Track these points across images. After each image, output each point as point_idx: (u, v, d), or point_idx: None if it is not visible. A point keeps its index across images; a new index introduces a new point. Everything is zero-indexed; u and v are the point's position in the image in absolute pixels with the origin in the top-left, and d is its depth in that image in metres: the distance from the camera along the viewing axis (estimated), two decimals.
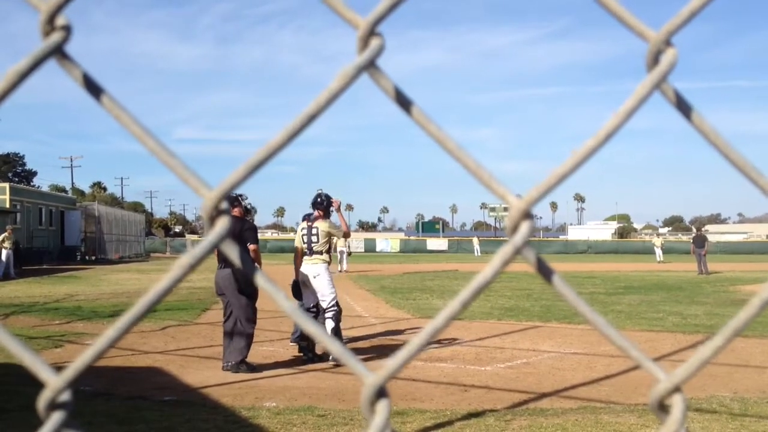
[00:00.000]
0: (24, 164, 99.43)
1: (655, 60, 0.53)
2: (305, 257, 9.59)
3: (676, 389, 0.49)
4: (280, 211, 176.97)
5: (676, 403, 0.50)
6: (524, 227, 0.50)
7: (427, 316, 14.70)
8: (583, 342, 11.09)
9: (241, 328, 8.75)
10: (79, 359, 0.53)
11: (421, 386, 7.88)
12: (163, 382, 8.00)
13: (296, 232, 10.22)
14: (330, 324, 9.36)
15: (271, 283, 0.56)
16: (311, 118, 0.50)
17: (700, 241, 31.71)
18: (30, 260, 36.62)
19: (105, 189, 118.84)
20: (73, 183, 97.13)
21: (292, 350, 9.93)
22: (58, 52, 0.49)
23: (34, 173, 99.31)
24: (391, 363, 0.52)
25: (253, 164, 0.50)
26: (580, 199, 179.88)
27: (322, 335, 0.56)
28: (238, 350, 8.67)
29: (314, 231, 9.58)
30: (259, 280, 0.53)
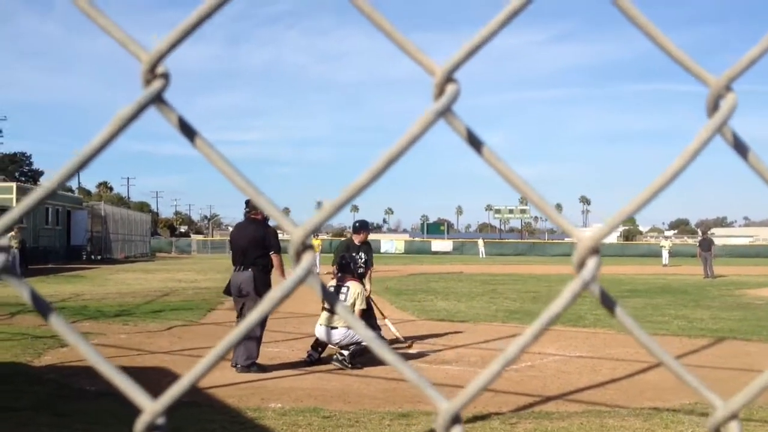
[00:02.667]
0: (31, 164, 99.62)
1: (715, 104, 0.55)
2: (326, 313, 9.31)
3: (733, 416, 0.51)
4: (285, 212, 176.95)
5: (732, 430, 0.52)
6: (591, 263, 0.53)
7: (432, 318, 14.73)
8: (588, 345, 11.10)
9: (252, 331, 8.78)
10: (176, 386, 0.56)
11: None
12: (170, 383, 7.97)
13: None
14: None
15: (347, 311, 0.58)
16: (392, 160, 0.53)
17: (706, 244, 31.66)
18: (36, 259, 36.72)
19: (111, 189, 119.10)
20: (79, 183, 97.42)
21: (297, 351, 9.95)
22: (158, 99, 0.52)
23: (41, 173, 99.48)
24: (467, 390, 0.54)
25: (337, 204, 0.53)
26: (585, 201, 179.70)
27: (396, 361, 0.59)
28: (248, 352, 8.72)
29: (345, 289, 9.54)
30: (340, 310, 0.56)
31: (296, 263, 0.52)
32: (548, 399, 7.50)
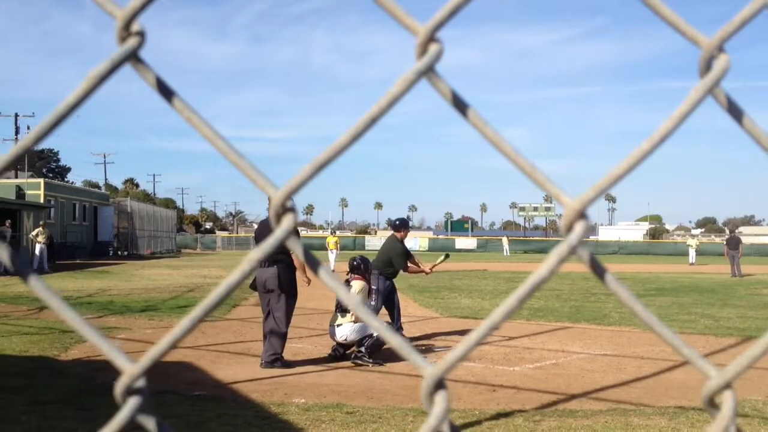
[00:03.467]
0: (58, 160, 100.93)
1: (707, 66, 0.54)
2: (337, 313, 9.62)
3: (727, 386, 0.50)
4: (309, 209, 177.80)
5: (727, 399, 0.50)
6: (579, 227, 0.51)
7: (455, 316, 14.70)
8: (613, 343, 11.01)
9: (276, 326, 8.87)
10: (154, 349, 0.56)
11: (449, 385, 7.71)
12: (194, 378, 8.09)
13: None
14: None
15: (333, 277, 0.58)
16: (373, 121, 0.52)
17: (734, 243, 31.31)
18: (63, 255, 37.18)
19: (137, 185, 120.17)
20: (106, 179, 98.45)
21: (321, 347, 9.98)
22: (133, 57, 0.52)
23: (68, 169, 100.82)
24: (449, 356, 0.53)
25: (318, 164, 0.52)
26: (611, 199, 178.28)
27: (382, 328, 0.58)
28: (273, 347, 8.79)
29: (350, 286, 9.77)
30: (322, 274, 0.55)
31: (277, 225, 0.51)
32: (572, 397, 7.44)
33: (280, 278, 8.90)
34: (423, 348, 10.49)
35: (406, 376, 8.22)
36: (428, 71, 0.53)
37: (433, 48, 0.53)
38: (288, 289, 8.98)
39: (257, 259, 0.51)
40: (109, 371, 7.87)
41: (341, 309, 9.51)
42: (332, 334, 9.40)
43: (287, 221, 0.51)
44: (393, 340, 0.57)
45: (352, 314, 9.33)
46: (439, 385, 0.50)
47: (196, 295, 18.68)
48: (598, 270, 0.52)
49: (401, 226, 11.82)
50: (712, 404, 0.52)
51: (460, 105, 0.54)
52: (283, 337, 8.87)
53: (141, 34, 0.51)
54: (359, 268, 9.98)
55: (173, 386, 7.52)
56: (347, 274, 10.09)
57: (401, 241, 11.49)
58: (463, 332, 11.96)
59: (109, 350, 0.55)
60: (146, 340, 10.70)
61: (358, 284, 9.77)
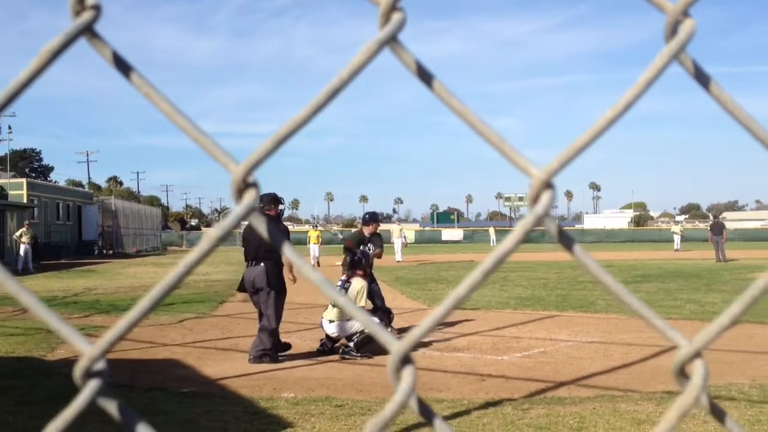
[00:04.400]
0: (41, 160, 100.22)
1: (673, 31, 0.53)
2: (331, 307, 9.41)
3: (697, 354, 0.50)
4: (295, 203, 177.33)
5: (697, 368, 0.50)
6: (545, 197, 0.51)
7: None
8: (599, 331, 11.06)
9: (267, 323, 8.88)
10: (112, 331, 0.55)
11: (438, 376, 7.89)
12: (182, 374, 8.07)
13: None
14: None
15: (298, 254, 0.57)
16: (335, 92, 0.51)
17: (718, 228, 31.62)
18: (48, 255, 36.93)
19: (121, 183, 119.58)
20: (89, 177, 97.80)
21: (309, 342, 9.97)
22: (88, 30, 0.51)
23: (51, 168, 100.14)
24: (415, 331, 0.53)
25: (279, 138, 0.51)
26: (595, 187, 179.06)
27: (350, 306, 0.57)
28: (262, 343, 8.79)
29: (348, 285, 9.57)
30: (286, 251, 0.54)
31: (238, 201, 0.50)
32: (560, 384, 7.48)
33: (268, 275, 8.91)
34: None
35: None
36: (390, 40, 0.52)
37: (395, 17, 0.52)
38: (276, 286, 8.99)
39: (217, 237, 0.50)
40: None
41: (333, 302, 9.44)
42: (322, 326, 9.36)
43: (249, 197, 0.50)
44: (361, 317, 0.56)
45: (339, 308, 9.27)
46: (406, 360, 0.49)
47: (182, 292, 18.58)
48: (566, 241, 0.52)
49: (369, 220, 11.61)
50: (682, 374, 0.52)
51: (424, 76, 0.53)
52: (273, 333, 8.87)
53: (96, 8, 0.50)
54: (361, 263, 9.77)
55: (162, 383, 7.50)
56: (348, 270, 9.94)
57: (362, 235, 11.33)
58: (451, 323, 11.99)
59: (69, 334, 0.54)
60: (132, 339, 10.64)
61: (358, 282, 9.54)
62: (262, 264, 8.93)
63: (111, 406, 0.52)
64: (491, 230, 71.81)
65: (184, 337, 10.79)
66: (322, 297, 13.62)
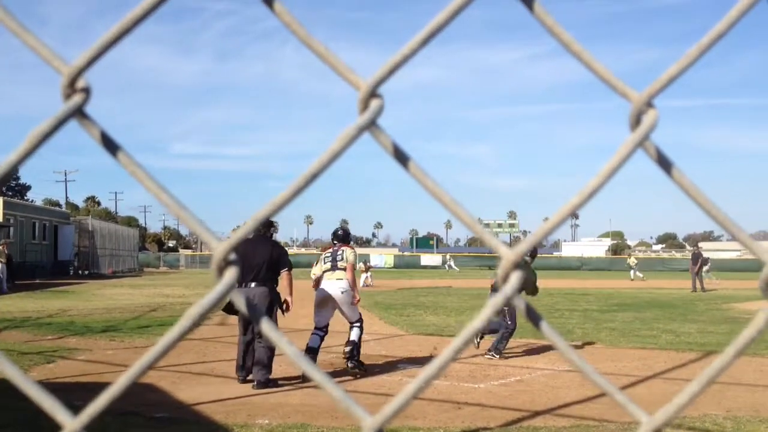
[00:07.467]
0: (18, 178, 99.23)
1: (637, 120, 0.56)
2: (327, 273, 9.98)
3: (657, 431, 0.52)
4: (273, 226, 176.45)
5: None
6: (514, 277, 0.53)
7: (421, 333, 14.71)
8: None
9: (261, 345, 8.93)
10: (93, 405, 0.56)
11: (415, 403, 7.87)
12: (156, 399, 7.98)
13: (317, 261, 10.64)
14: (357, 332, 9.95)
15: (276, 330, 0.58)
16: (314, 177, 0.53)
17: (695, 258, 32.17)
18: (23, 274, 36.46)
19: (99, 203, 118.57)
20: (67, 197, 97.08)
21: (285, 367, 9.91)
22: (78, 113, 0.52)
23: (28, 187, 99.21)
24: (387, 409, 0.54)
25: (258, 218, 0.53)
26: (574, 215, 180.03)
27: (319, 376, 0.59)
28: (264, 368, 8.86)
29: (340, 252, 10.11)
30: (264, 326, 0.56)
31: (218, 278, 0.52)
32: (537, 414, 7.48)
33: (271, 297, 9.01)
34: (388, 366, 10.48)
35: (372, 395, 8.19)
36: (370, 126, 0.55)
37: (374, 103, 0.54)
38: (272, 309, 9.13)
39: (197, 315, 0.51)
40: (70, 392, 7.74)
41: (334, 268, 9.97)
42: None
43: (229, 275, 0.51)
44: (332, 389, 0.57)
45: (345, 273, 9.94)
46: None
47: (158, 314, 18.44)
48: (534, 317, 0.54)
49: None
50: None
51: (401, 157, 0.55)
52: (271, 353, 8.96)
53: (86, 90, 0.52)
54: (346, 237, 10.44)
55: (135, 407, 7.41)
56: (333, 245, 10.36)
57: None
58: (429, 350, 11.96)
59: (49, 404, 0.55)
60: (107, 362, 10.54)
61: (350, 252, 10.10)
62: (263, 286, 9.00)
63: None
64: (448, 256, 73.28)
65: (158, 361, 10.68)
66: (299, 321, 13.57)
